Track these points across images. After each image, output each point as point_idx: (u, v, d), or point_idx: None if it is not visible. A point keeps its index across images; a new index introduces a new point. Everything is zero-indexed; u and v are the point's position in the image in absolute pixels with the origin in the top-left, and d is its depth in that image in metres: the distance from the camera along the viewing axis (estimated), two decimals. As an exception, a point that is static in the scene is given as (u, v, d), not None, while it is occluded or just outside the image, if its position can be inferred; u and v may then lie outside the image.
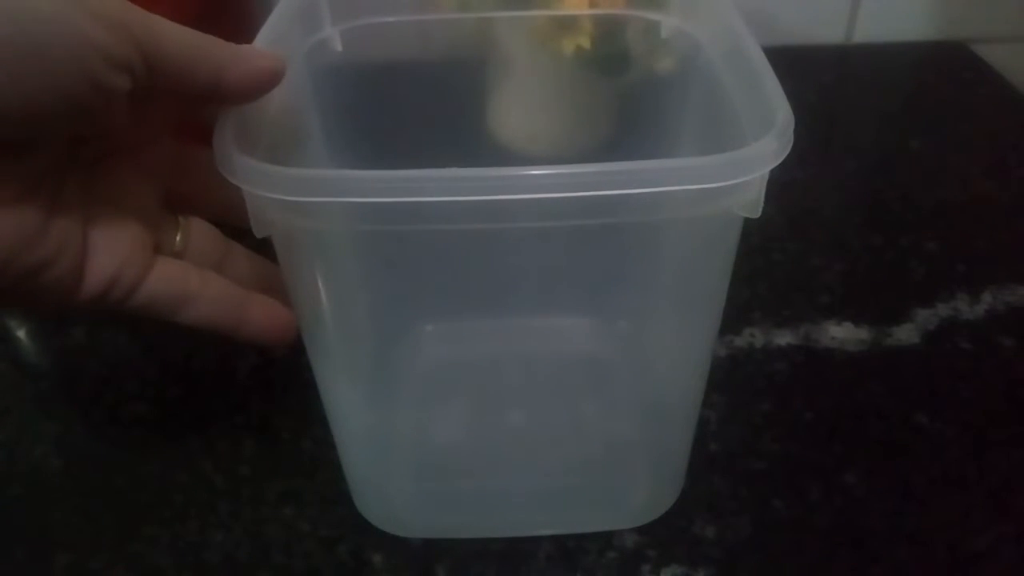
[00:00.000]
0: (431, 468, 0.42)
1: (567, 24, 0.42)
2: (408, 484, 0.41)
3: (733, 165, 0.27)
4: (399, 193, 0.26)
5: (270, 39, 0.34)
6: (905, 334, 0.48)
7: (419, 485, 0.41)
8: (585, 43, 0.42)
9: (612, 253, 0.36)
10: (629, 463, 0.42)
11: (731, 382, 0.46)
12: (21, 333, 0.52)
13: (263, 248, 0.31)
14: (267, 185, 0.27)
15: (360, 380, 0.40)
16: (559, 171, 0.26)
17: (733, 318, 0.49)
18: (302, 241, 0.31)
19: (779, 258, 0.54)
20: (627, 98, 0.35)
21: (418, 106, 0.41)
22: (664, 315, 0.40)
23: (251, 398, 0.46)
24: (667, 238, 0.35)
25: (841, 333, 0.48)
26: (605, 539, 0.39)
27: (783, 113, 0.28)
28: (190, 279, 0.33)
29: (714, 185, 0.26)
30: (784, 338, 0.48)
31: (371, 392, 0.42)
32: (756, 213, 0.28)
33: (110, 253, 0.30)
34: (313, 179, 0.27)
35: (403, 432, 0.43)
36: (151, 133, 0.33)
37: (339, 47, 0.39)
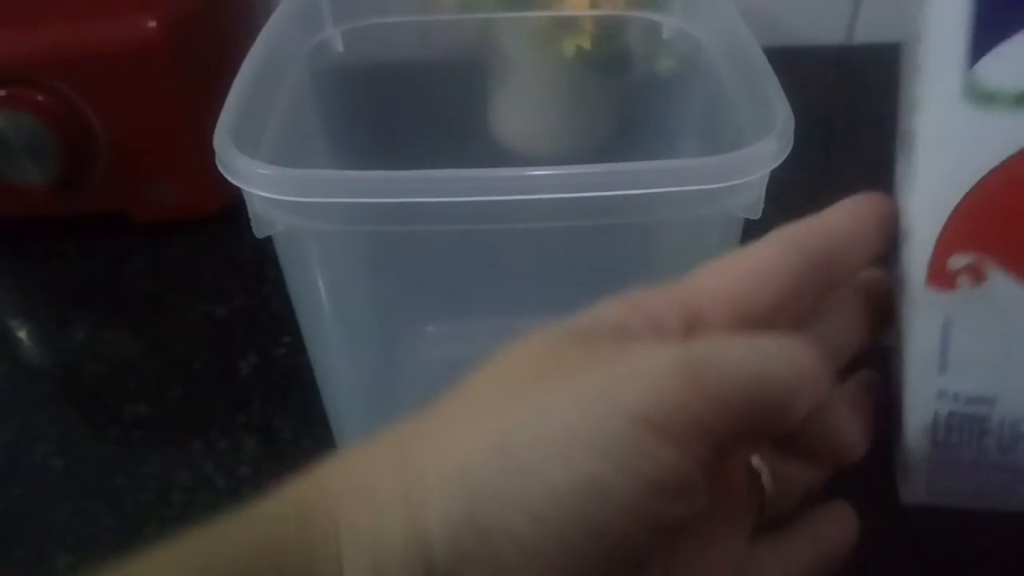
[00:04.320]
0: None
1: (568, 25, 0.42)
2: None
3: (732, 166, 0.27)
4: (399, 194, 0.27)
5: (271, 39, 0.34)
6: (905, 334, 0.48)
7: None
8: (586, 43, 0.42)
9: (613, 253, 0.36)
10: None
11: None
12: (21, 333, 0.52)
13: (265, 246, 0.31)
14: (267, 185, 0.27)
15: (361, 380, 0.40)
16: (558, 172, 0.26)
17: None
18: (303, 241, 0.31)
19: (779, 258, 0.53)
20: (628, 98, 0.35)
21: (419, 106, 0.41)
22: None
23: (252, 398, 0.46)
24: (667, 239, 0.35)
25: (841, 333, 0.48)
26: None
27: (783, 114, 0.28)
28: None
29: (713, 186, 0.27)
30: (784, 338, 0.48)
31: (372, 392, 0.42)
32: (756, 214, 0.28)
33: None
34: (313, 179, 0.27)
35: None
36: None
37: (340, 47, 0.39)
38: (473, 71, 0.43)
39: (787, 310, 0.22)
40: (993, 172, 0.22)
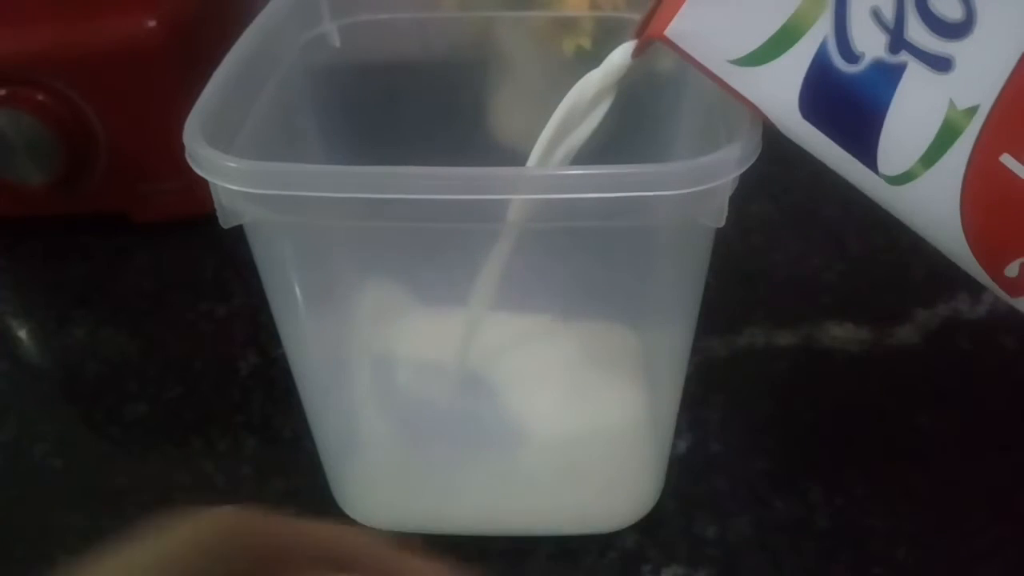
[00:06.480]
0: (427, 468, 0.42)
1: (568, 24, 0.42)
2: (403, 482, 0.41)
3: (690, 173, 0.26)
4: (361, 189, 0.27)
5: (259, 33, 0.34)
6: (906, 334, 0.48)
7: (415, 484, 0.41)
8: (585, 43, 0.42)
9: (585, 256, 0.35)
10: (619, 464, 0.41)
11: (731, 382, 0.46)
12: (21, 333, 0.52)
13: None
14: (230, 177, 0.27)
15: (339, 373, 0.39)
16: (512, 173, 0.27)
17: (734, 318, 0.49)
18: (269, 233, 0.31)
19: (779, 258, 0.53)
20: (626, 98, 0.34)
21: (417, 104, 0.41)
22: (644, 318, 0.40)
23: (252, 398, 0.46)
24: (638, 244, 0.35)
25: (842, 333, 0.48)
26: (605, 539, 0.39)
27: (749, 120, 0.27)
28: None
29: (671, 193, 0.26)
30: (785, 338, 0.48)
31: (343, 389, 0.41)
32: (719, 223, 0.28)
33: None
34: (277, 173, 0.27)
35: (396, 432, 0.43)
36: None
37: (337, 43, 0.39)
38: (472, 70, 0.43)
39: None
40: (966, 197, 0.24)
